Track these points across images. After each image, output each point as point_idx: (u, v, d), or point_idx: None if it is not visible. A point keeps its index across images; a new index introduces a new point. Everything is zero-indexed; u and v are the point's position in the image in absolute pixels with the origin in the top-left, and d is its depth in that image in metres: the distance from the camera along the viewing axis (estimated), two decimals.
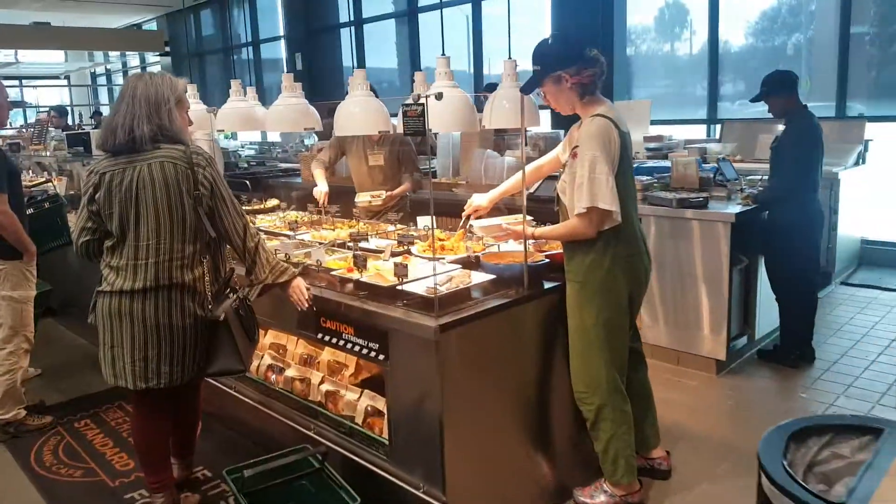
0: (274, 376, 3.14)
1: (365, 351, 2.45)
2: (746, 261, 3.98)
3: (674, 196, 3.90)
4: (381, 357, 2.40)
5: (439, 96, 2.09)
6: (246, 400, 3.19)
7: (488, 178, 4.85)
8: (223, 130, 3.54)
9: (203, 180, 2.34)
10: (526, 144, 5.28)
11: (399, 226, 3.48)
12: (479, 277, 2.54)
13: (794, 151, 3.74)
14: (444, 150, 5.29)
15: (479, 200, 2.94)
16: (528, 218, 2.72)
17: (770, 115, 3.92)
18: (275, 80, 12.54)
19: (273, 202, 4.67)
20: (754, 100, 3.91)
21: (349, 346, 2.52)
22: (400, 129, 2.75)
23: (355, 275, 2.58)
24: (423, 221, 3.23)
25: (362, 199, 3.95)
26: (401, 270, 2.35)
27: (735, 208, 3.84)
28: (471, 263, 2.73)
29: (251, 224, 2.51)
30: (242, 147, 10.02)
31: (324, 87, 10.46)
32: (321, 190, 4.12)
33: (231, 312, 2.40)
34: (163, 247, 2.32)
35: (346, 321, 2.53)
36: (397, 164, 4.17)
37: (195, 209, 2.34)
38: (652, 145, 5.91)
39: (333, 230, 3.52)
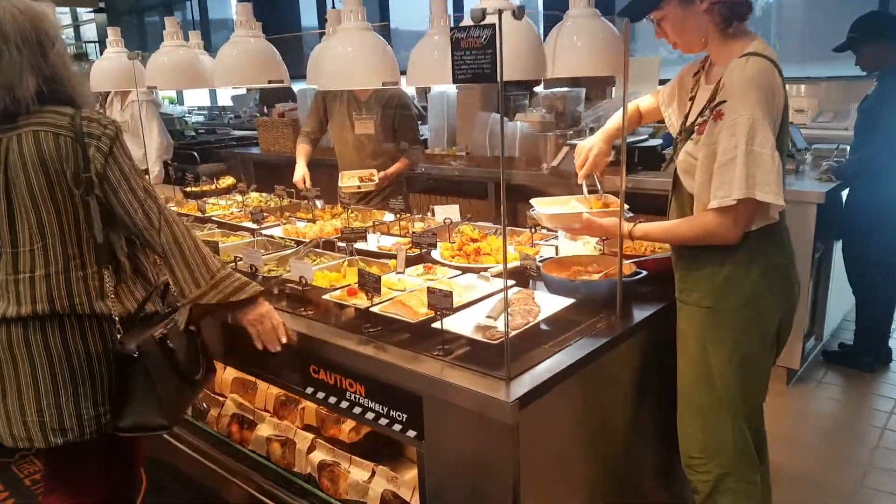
0: (241, 432, 2.26)
1: (384, 422, 1.60)
2: (822, 248, 3.25)
3: None
4: (412, 433, 1.55)
5: (519, 13, 1.21)
6: (203, 461, 2.32)
7: (495, 148, 3.99)
8: (155, 87, 2.56)
9: (97, 156, 1.51)
10: (532, 106, 4.44)
11: (403, 214, 2.59)
12: (544, 301, 1.70)
13: (889, 115, 3.00)
14: (436, 113, 4.37)
15: (589, 145, 1.94)
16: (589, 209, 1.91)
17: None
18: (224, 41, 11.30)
19: (228, 181, 3.72)
20: (839, 49, 3.13)
21: (357, 411, 1.66)
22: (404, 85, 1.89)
23: (362, 301, 1.71)
24: (443, 212, 2.33)
25: (349, 183, 2.97)
26: (440, 301, 1.48)
27: (815, 185, 3.09)
28: (527, 276, 1.89)
29: (168, 208, 1.63)
30: (189, 113, 8.88)
31: (281, 50, 9.26)
32: (298, 175, 3.21)
33: (153, 345, 1.58)
34: (52, 253, 1.56)
35: (350, 375, 1.66)
36: (391, 133, 3.21)
37: (84, 200, 1.53)
38: None
39: (314, 222, 2.61)
